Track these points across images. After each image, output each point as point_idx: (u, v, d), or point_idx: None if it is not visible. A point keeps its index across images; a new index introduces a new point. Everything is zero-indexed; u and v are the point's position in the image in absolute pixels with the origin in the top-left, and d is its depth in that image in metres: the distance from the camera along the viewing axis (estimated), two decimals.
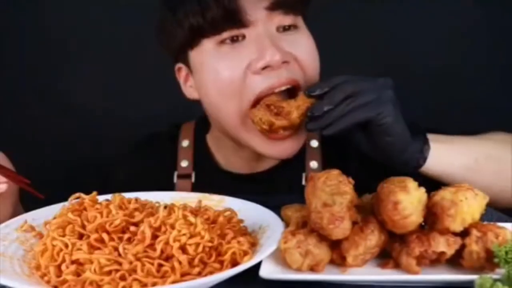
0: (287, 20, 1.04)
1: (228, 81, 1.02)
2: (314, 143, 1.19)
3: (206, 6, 1.00)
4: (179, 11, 1.04)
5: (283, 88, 1.01)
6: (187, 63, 1.10)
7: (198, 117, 1.24)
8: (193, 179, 1.20)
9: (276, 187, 1.15)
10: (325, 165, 1.17)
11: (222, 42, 1.02)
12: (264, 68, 1.00)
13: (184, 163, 1.21)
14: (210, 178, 1.19)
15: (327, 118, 0.92)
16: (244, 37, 1.02)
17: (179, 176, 1.20)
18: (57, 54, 1.86)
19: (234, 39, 1.02)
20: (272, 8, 1.02)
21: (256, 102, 1.01)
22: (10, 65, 1.85)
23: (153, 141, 1.30)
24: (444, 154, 0.99)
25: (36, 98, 1.88)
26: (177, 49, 1.10)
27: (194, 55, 1.07)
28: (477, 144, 1.04)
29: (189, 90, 1.15)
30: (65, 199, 0.89)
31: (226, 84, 1.02)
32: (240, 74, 1.01)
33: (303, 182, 1.16)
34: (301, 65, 1.03)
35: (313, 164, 1.17)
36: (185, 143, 1.23)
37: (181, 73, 1.14)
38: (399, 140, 0.95)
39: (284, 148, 1.05)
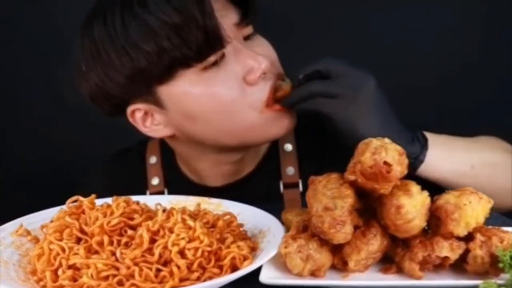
0: (249, 29, 1.05)
1: (230, 101, 1.00)
2: (288, 147, 1.17)
3: (188, 36, 0.95)
4: (150, 48, 0.95)
5: None
6: (147, 100, 1.03)
7: None
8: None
9: (254, 195, 1.10)
10: (302, 169, 1.15)
11: (205, 68, 0.99)
12: (259, 76, 1.00)
13: (154, 181, 1.19)
14: (184, 193, 1.12)
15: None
16: (223, 56, 1.00)
17: (151, 194, 1.17)
18: (57, 53, 1.85)
19: (216, 62, 0.99)
20: (240, 22, 1.02)
21: (267, 105, 1.01)
22: (9, 65, 1.84)
23: (122, 158, 1.27)
24: (441, 160, 0.97)
25: (36, 98, 1.87)
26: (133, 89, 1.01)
27: (169, 88, 1.00)
28: (474, 149, 1.03)
29: (155, 129, 1.07)
30: (62, 201, 0.87)
31: (227, 104, 1.00)
32: (238, 90, 1.00)
33: (281, 190, 1.15)
34: (272, 63, 1.03)
35: (290, 170, 1.15)
36: (152, 159, 1.21)
37: (137, 115, 1.05)
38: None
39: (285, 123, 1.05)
